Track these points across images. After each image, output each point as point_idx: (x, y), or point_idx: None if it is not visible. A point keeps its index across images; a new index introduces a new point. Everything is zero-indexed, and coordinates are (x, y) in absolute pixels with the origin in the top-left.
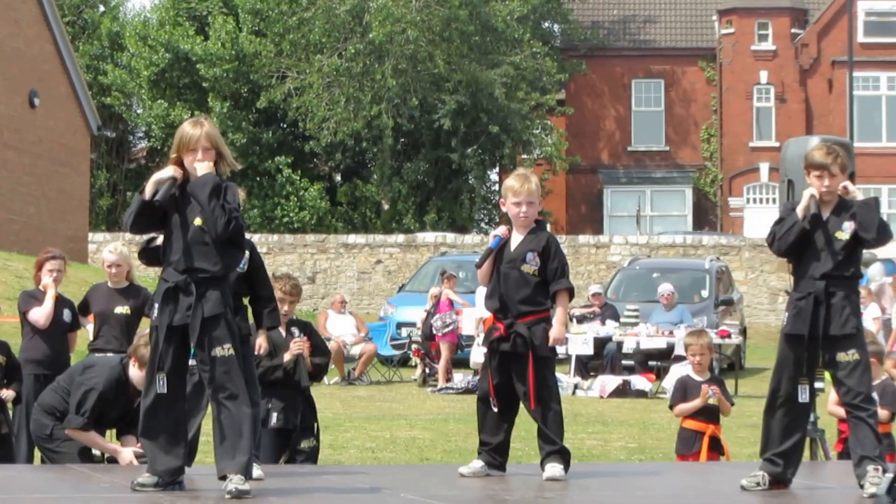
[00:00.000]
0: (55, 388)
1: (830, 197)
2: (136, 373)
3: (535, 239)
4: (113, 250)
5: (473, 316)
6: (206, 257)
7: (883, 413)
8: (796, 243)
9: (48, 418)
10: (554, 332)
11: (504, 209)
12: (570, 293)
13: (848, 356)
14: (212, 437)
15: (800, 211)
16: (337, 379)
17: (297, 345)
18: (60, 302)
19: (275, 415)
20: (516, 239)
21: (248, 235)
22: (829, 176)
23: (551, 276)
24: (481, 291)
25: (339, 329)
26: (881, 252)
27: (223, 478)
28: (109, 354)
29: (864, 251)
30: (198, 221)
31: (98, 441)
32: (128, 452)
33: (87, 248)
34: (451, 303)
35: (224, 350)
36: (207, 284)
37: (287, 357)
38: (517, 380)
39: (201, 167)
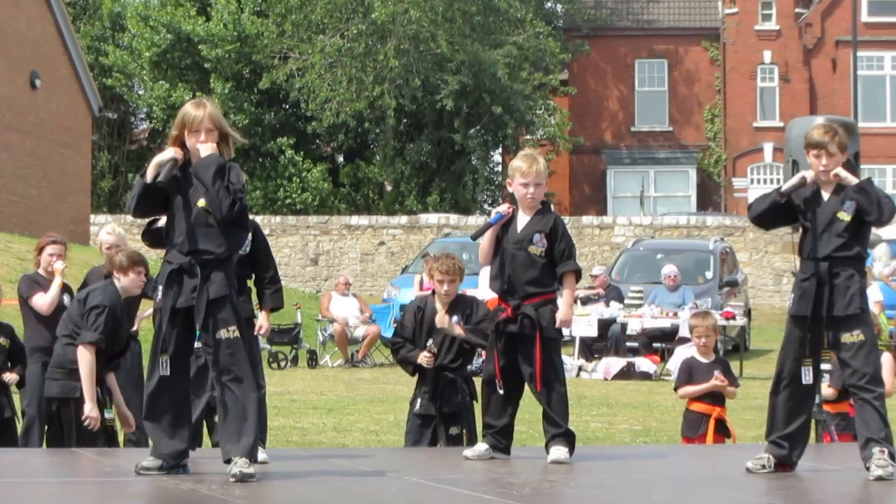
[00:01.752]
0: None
1: (827, 177)
2: (123, 282)
3: (542, 220)
4: (111, 231)
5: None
6: (211, 239)
7: (829, 391)
8: (768, 213)
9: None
10: (561, 314)
11: (510, 189)
12: (578, 275)
13: (853, 337)
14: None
15: (784, 186)
16: (340, 361)
17: (452, 327)
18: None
19: (419, 400)
20: (523, 220)
21: (250, 217)
22: (828, 155)
23: (559, 258)
24: (485, 273)
25: (343, 311)
26: (888, 233)
27: (228, 461)
28: None
29: (872, 231)
30: (201, 203)
31: (90, 380)
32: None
33: (89, 230)
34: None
35: (229, 332)
36: (212, 266)
37: (453, 329)
38: (523, 361)
39: (204, 148)
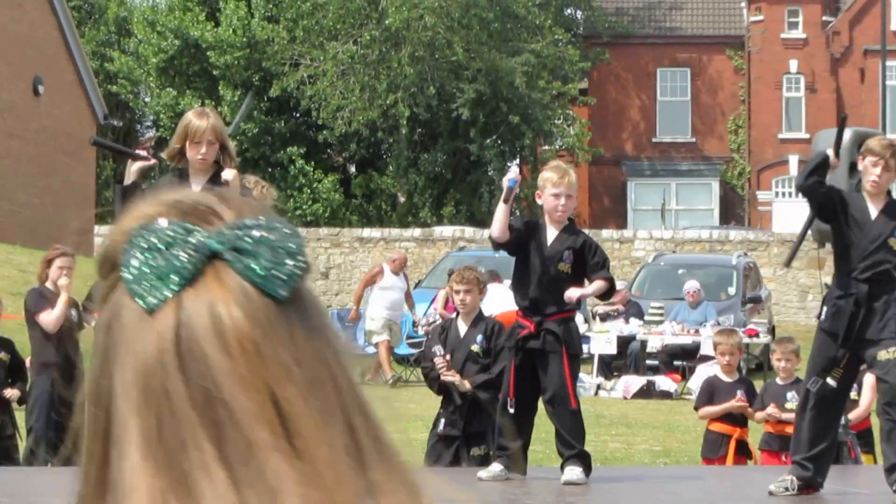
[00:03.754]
0: None
1: (878, 189)
2: None
3: (571, 237)
4: None
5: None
6: None
7: (857, 413)
8: (818, 170)
9: None
10: (574, 290)
11: (539, 201)
12: (610, 285)
13: (889, 354)
14: None
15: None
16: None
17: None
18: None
19: (442, 420)
20: (551, 234)
21: None
22: (884, 168)
23: (593, 270)
24: (494, 289)
25: (384, 302)
26: None
27: None
28: None
29: None
30: None
31: None
32: None
33: (93, 241)
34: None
35: None
36: None
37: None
38: (544, 377)
39: (228, 174)
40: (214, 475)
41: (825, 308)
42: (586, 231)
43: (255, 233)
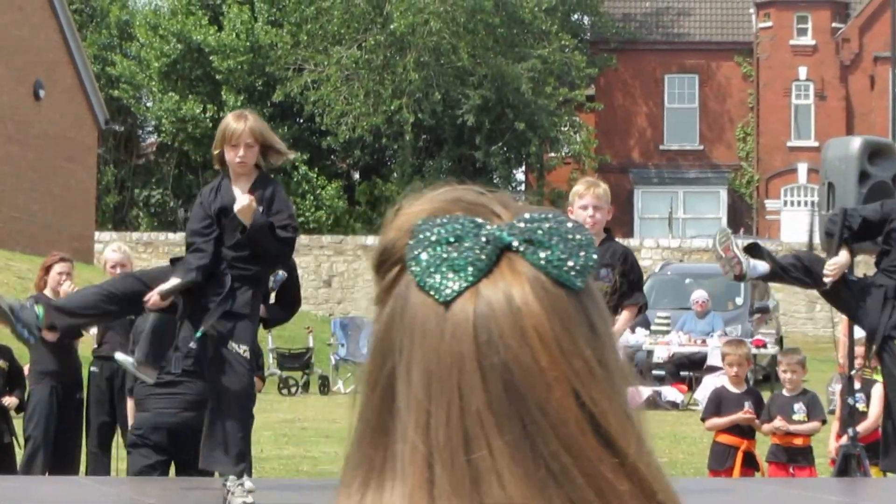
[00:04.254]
0: None
1: None
2: None
3: (610, 251)
4: (116, 249)
5: None
6: (248, 257)
7: (866, 425)
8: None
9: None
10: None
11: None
12: (641, 310)
13: None
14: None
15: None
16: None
17: None
18: None
19: None
20: None
21: None
22: None
23: (629, 288)
24: None
25: None
26: None
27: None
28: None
29: None
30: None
31: None
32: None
33: (93, 248)
34: None
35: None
36: (242, 281)
37: None
38: None
39: (241, 201)
40: (505, 476)
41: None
42: None
43: (546, 224)
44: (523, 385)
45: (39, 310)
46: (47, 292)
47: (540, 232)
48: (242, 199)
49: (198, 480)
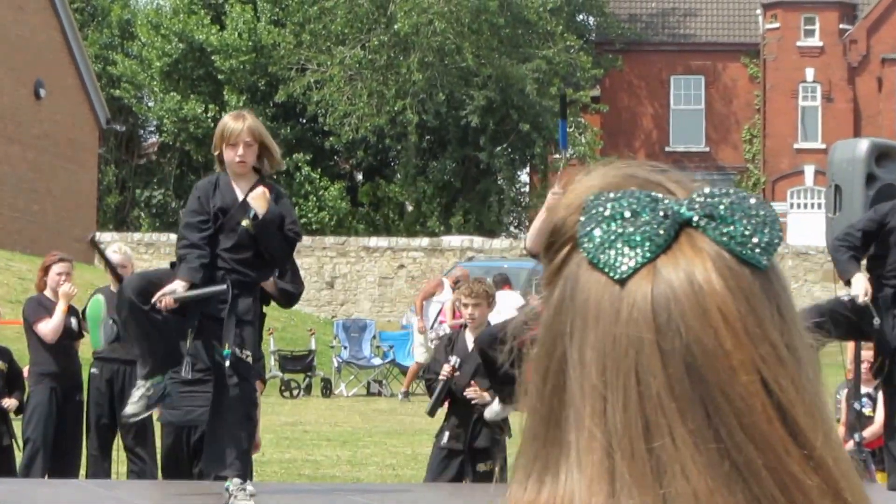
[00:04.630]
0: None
1: None
2: None
3: None
4: (117, 250)
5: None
6: (248, 263)
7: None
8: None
9: None
10: None
11: None
12: None
13: None
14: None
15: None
16: (356, 390)
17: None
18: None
19: (446, 433)
20: None
21: None
22: None
23: None
24: (504, 295)
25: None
26: None
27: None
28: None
29: None
30: (246, 223)
31: None
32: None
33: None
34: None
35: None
36: (242, 287)
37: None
38: None
39: (258, 202)
40: (688, 467)
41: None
42: None
43: (728, 199)
44: (706, 369)
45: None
46: (47, 293)
47: (722, 207)
48: (257, 189)
49: (199, 484)
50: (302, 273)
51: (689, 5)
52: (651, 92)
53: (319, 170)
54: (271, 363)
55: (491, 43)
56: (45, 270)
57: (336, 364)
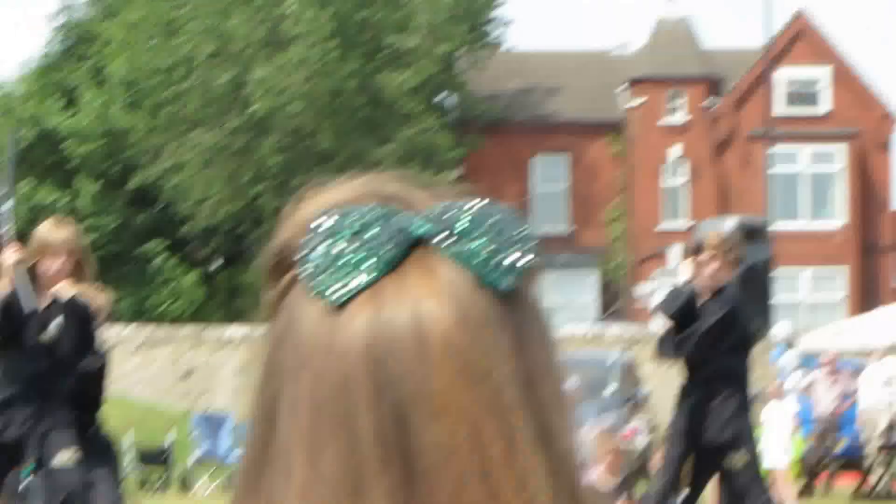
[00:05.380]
0: None
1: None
2: None
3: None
4: None
5: None
6: (53, 373)
7: None
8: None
9: None
10: None
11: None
12: None
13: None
14: None
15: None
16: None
17: None
18: None
19: None
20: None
21: (118, 329)
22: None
23: None
24: None
25: None
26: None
27: None
28: None
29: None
30: (46, 337)
31: None
32: None
33: None
34: None
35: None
36: (52, 398)
37: None
38: None
39: (64, 290)
40: None
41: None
42: None
43: (471, 212)
44: (412, 411)
45: None
46: None
47: (464, 220)
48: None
49: None
50: (157, 364)
51: (551, 83)
52: (514, 172)
53: (175, 257)
54: (128, 458)
55: (349, 124)
56: None
57: (194, 459)
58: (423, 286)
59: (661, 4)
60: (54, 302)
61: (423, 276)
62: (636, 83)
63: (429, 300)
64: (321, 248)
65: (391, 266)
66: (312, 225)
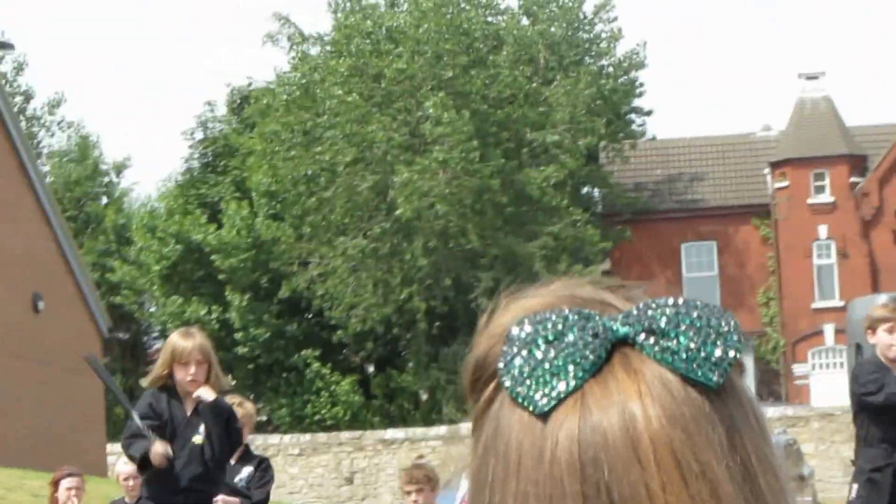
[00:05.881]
0: None
1: None
2: None
3: None
4: (128, 461)
5: None
6: (205, 477)
7: None
8: None
9: None
10: None
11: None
12: None
13: None
14: None
15: None
16: None
17: None
18: None
19: None
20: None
21: (278, 437)
22: None
23: None
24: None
25: None
26: None
27: None
28: None
29: None
30: (198, 440)
31: None
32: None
33: (106, 461)
34: None
35: None
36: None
37: None
38: None
39: (206, 394)
40: None
41: (855, 486)
42: None
43: (672, 310)
44: None
45: None
46: None
47: (663, 319)
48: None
49: None
50: (320, 470)
51: (695, 170)
52: (662, 261)
53: (329, 364)
54: None
55: (495, 222)
56: (55, 485)
57: None
58: (629, 387)
59: (802, 84)
60: (199, 405)
61: (627, 377)
62: (780, 165)
63: (636, 401)
64: (521, 357)
65: (594, 369)
66: (510, 335)
